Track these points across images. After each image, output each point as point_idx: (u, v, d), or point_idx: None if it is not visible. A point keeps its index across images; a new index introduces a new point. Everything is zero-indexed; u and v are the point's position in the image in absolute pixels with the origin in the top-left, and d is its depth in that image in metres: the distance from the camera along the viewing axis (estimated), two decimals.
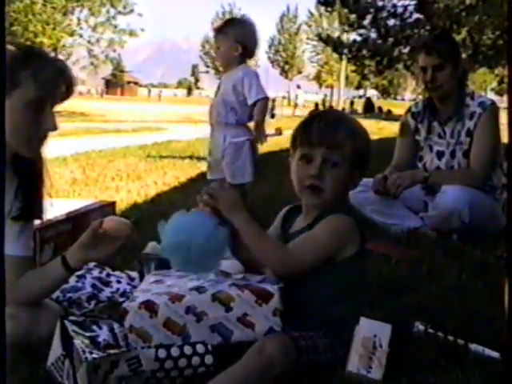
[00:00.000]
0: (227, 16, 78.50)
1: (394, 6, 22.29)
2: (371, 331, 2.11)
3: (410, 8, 22.04)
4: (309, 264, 2.12)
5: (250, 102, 4.53)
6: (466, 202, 4.03)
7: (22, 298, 2.28)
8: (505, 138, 3.79)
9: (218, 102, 4.66)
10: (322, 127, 2.18)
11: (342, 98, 60.16)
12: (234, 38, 4.57)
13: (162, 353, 1.99)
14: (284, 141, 12.48)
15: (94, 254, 2.30)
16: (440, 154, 4.46)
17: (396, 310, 2.74)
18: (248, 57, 4.71)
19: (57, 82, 2.22)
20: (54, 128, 2.23)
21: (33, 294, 2.34)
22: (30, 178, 2.36)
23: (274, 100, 27.90)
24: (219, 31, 4.75)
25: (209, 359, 2.02)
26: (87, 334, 2.07)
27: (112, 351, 1.96)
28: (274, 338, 2.01)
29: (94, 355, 1.90)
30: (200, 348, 2.03)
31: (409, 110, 4.70)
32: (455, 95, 4.35)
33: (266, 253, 2.11)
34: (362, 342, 2.09)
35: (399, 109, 44.84)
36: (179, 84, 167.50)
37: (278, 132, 11.45)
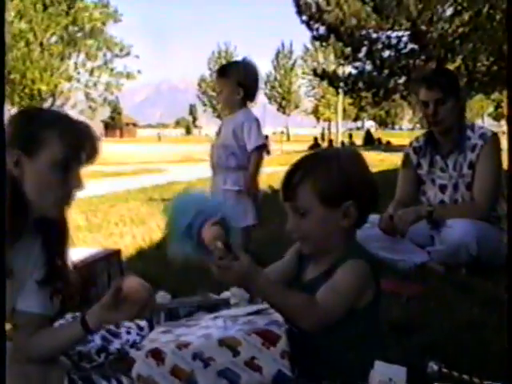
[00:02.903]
0: (223, 55, 79.10)
1: (388, 37, 22.48)
2: (386, 375, 2.07)
3: (404, 39, 22.24)
4: (339, 314, 2.05)
5: (248, 148, 4.53)
6: (474, 235, 4.01)
7: (35, 355, 2.26)
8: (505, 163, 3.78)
9: (219, 146, 4.65)
10: (283, 182, 2.20)
11: (341, 130, 60.30)
12: (236, 82, 4.56)
13: None
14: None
15: (114, 316, 2.22)
16: (443, 188, 4.44)
17: (409, 349, 2.71)
18: (250, 100, 4.70)
19: (82, 142, 2.21)
20: (81, 188, 2.22)
21: (47, 353, 2.29)
22: (55, 241, 2.34)
23: (266, 137, 28.00)
24: (221, 74, 4.74)
25: None
26: None
27: None
28: None
29: None
30: None
31: (410, 144, 4.69)
32: (456, 128, 4.34)
33: (295, 312, 2.02)
34: None
35: (398, 139, 45.02)
36: (177, 124, 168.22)
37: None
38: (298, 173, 2.17)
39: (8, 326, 2.41)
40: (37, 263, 2.30)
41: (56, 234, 2.34)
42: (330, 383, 2.05)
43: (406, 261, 4.29)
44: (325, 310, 2.00)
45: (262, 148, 4.60)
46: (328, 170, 2.15)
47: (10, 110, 37.79)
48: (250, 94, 4.65)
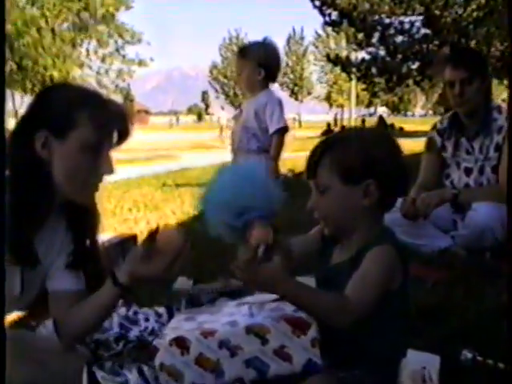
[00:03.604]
0: (234, 41, 78.89)
1: (401, 22, 22.43)
2: (419, 363, 2.00)
3: (418, 24, 22.17)
4: (370, 306, 1.95)
5: (270, 130, 4.44)
6: (499, 219, 3.89)
7: (76, 330, 2.19)
8: None
9: (240, 129, 4.57)
10: (306, 160, 2.17)
11: (354, 116, 60.14)
12: (257, 62, 4.47)
13: None
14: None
15: (147, 268, 2.05)
16: (468, 171, 4.34)
17: (438, 336, 2.63)
18: (271, 81, 4.60)
19: (114, 123, 2.12)
20: (111, 172, 2.14)
21: (87, 324, 2.22)
22: (83, 227, 2.27)
23: None
24: (241, 55, 4.65)
25: None
26: (117, 380, 1.99)
27: None
28: (321, 379, 1.90)
29: None
30: None
31: (434, 126, 4.58)
32: (482, 109, 4.23)
33: (327, 313, 1.93)
34: (410, 375, 1.98)
35: (410, 125, 44.88)
36: (189, 110, 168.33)
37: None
38: (319, 150, 2.14)
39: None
40: (62, 249, 2.23)
41: (84, 219, 2.25)
42: (360, 372, 1.97)
43: (429, 245, 4.20)
44: (356, 304, 1.93)
45: (284, 130, 4.51)
46: (348, 148, 2.11)
47: (23, 98, 37.99)
48: (271, 74, 4.57)
